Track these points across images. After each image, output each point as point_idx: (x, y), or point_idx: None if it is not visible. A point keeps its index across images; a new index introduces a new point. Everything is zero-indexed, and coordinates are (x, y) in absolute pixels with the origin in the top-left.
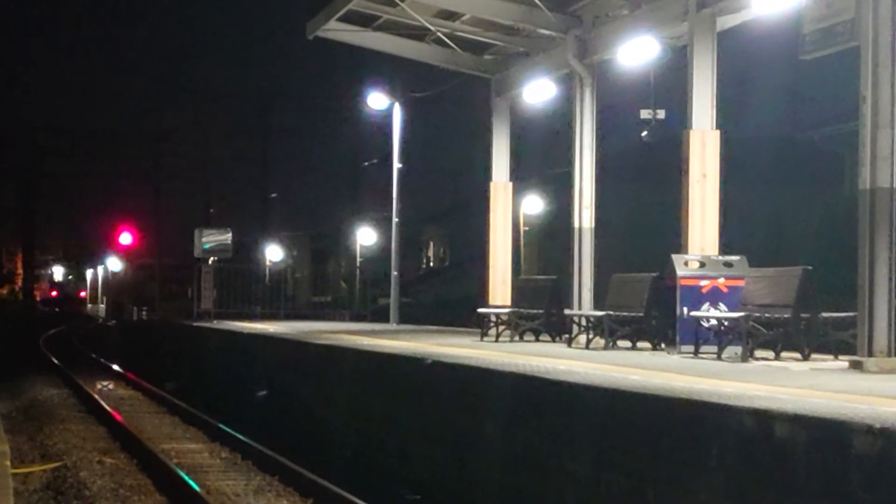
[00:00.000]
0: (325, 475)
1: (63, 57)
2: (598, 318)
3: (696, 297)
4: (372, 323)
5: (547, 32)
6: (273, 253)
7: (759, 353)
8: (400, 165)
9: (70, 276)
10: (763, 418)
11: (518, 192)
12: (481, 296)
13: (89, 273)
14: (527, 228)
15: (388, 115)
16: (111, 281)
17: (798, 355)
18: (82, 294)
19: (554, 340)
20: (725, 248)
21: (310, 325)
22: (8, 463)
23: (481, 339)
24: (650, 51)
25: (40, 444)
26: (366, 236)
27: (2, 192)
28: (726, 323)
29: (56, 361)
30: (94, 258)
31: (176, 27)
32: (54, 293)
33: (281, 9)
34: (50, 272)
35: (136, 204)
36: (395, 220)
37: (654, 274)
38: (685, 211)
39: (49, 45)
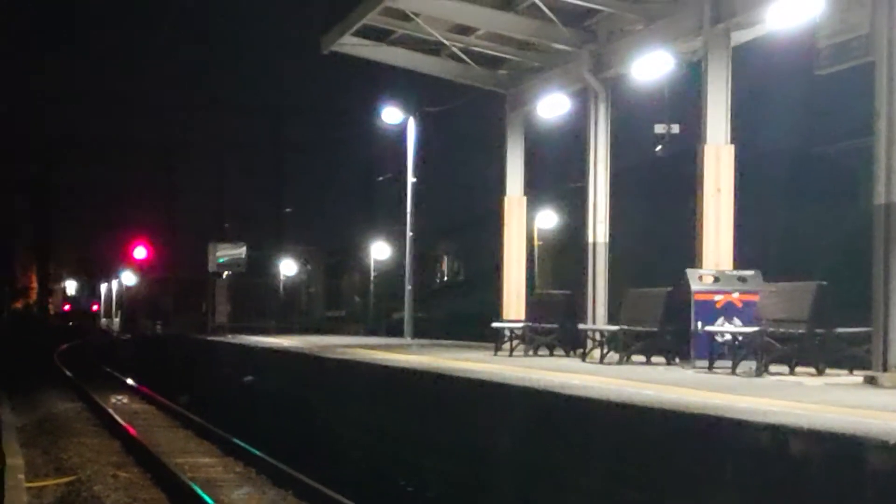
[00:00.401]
0: (340, 489)
1: (78, 69)
2: (613, 333)
3: (711, 312)
4: (386, 337)
5: (561, 47)
6: (287, 267)
7: (773, 368)
8: (414, 180)
9: (83, 291)
10: (777, 433)
11: (532, 207)
12: (495, 310)
13: (104, 287)
14: (541, 243)
15: (402, 129)
16: (125, 295)
17: (812, 370)
18: (95, 308)
19: (568, 355)
20: (740, 262)
21: (324, 339)
22: (22, 476)
23: (495, 354)
24: (664, 65)
25: (54, 458)
26: (380, 251)
27: (16, 204)
28: (741, 338)
29: (70, 374)
30: (109, 272)
31: (191, 41)
32: (67, 307)
33: (296, 24)
34: (63, 286)
35: (150, 218)
36: (409, 234)
37: (668, 289)
38: (699, 225)
39: (65, 56)
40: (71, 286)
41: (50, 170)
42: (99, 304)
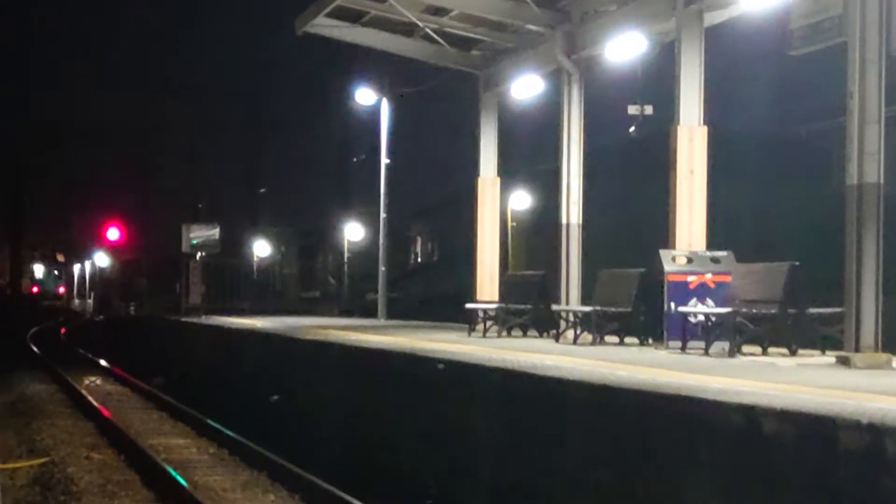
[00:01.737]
0: (314, 470)
1: (51, 51)
2: (586, 314)
3: (684, 293)
4: (360, 318)
5: (535, 28)
6: (261, 248)
7: (746, 348)
8: (388, 161)
9: (52, 274)
10: (750, 414)
11: (506, 188)
12: (469, 291)
13: (76, 268)
14: (514, 224)
15: (376, 110)
16: (99, 276)
17: (785, 351)
18: (61, 290)
19: (542, 336)
20: (713, 243)
21: (298, 320)
22: None
23: (469, 335)
24: (638, 46)
25: (27, 440)
26: (354, 232)
27: None
28: (714, 318)
29: (39, 352)
30: (82, 253)
31: (165, 22)
32: (35, 289)
33: (271, 4)
34: (31, 269)
35: (124, 199)
36: (383, 215)
37: (641, 269)
38: (672, 207)
39: (36, 38)
40: (39, 269)
41: (22, 151)
42: (65, 287)
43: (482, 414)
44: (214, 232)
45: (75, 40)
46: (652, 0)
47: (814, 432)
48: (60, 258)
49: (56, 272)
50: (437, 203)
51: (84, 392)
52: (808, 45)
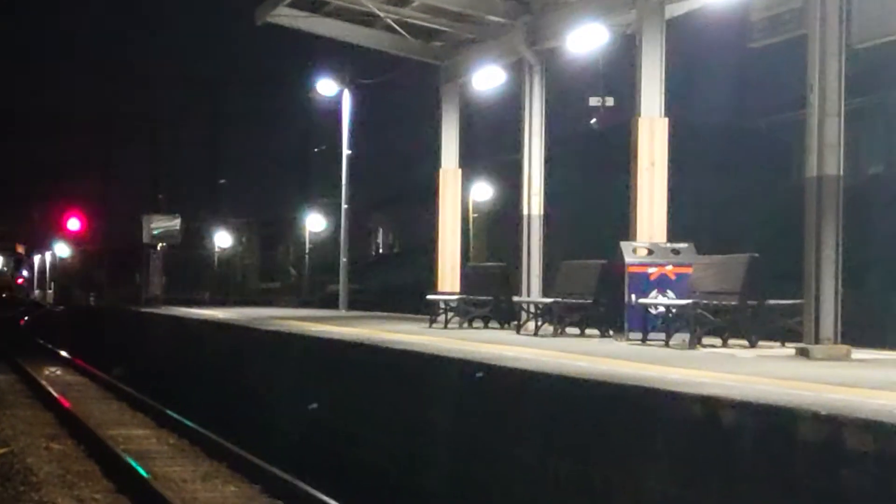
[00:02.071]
0: (273, 461)
1: (11, 40)
2: (547, 305)
3: (645, 285)
4: (321, 309)
5: (496, 19)
6: (222, 239)
7: (706, 340)
8: (349, 152)
9: (9, 264)
10: (709, 405)
11: (467, 179)
12: (431, 283)
13: (37, 259)
14: (476, 215)
15: (337, 101)
16: (59, 266)
17: (745, 343)
18: (20, 281)
19: (503, 327)
20: (673, 235)
21: (258, 311)
22: None
23: (430, 326)
24: (599, 38)
25: None
26: (315, 223)
27: None
28: (674, 310)
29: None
30: (42, 244)
31: (125, 10)
32: None
33: None
34: None
35: (84, 189)
36: (344, 206)
37: (602, 261)
38: (633, 198)
39: None
40: None
41: None
42: (23, 278)
43: (441, 405)
44: (175, 223)
45: (35, 27)
46: None
47: (773, 423)
48: (20, 249)
49: (14, 263)
50: (399, 194)
51: (44, 383)
52: (769, 37)
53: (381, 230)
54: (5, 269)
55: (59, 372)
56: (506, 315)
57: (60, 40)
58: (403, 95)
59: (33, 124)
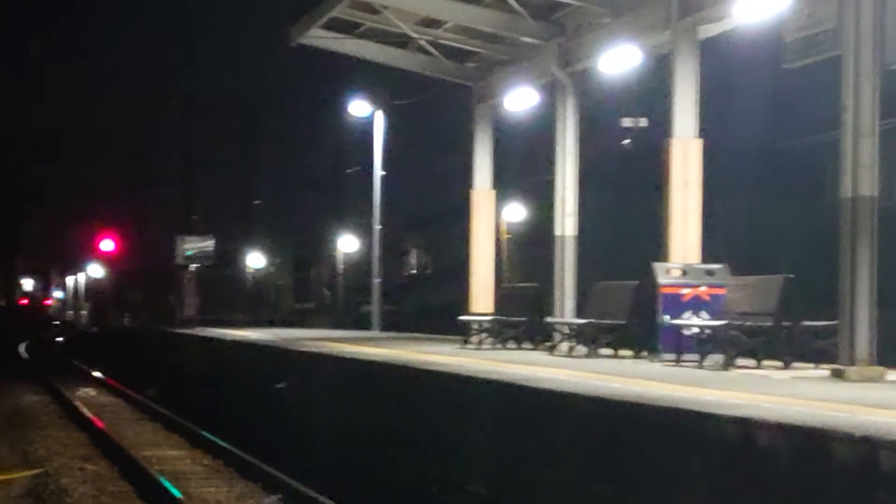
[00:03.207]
0: (308, 482)
1: (48, 65)
2: (581, 326)
3: (678, 306)
4: (354, 330)
5: (529, 40)
6: (256, 260)
7: (740, 361)
8: (383, 173)
9: (39, 287)
10: (745, 427)
11: (500, 200)
12: (464, 304)
13: (70, 280)
14: (509, 236)
15: (370, 122)
16: (93, 287)
17: (779, 364)
18: (47, 302)
19: (536, 348)
20: (707, 256)
21: (292, 332)
22: None
23: (463, 347)
24: (632, 59)
25: (21, 451)
26: (348, 244)
27: None
28: (708, 331)
29: (31, 362)
30: (76, 264)
31: (160, 33)
32: (25, 301)
33: (266, 16)
34: (21, 282)
35: (118, 210)
36: (377, 227)
37: (636, 282)
38: (667, 219)
39: (29, 51)
40: (28, 283)
41: (17, 164)
42: (51, 300)
43: (476, 425)
44: (209, 243)
45: (70, 52)
46: (646, 13)
47: (808, 445)
48: (53, 271)
49: (46, 285)
50: (432, 215)
51: (78, 403)
52: (803, 58)
53: (415, 251)
54: (36, 291)
55: (92, 393)
56: (539, 336)
57: (96, 63)
58: (437, 116)
59: (69, 146)
